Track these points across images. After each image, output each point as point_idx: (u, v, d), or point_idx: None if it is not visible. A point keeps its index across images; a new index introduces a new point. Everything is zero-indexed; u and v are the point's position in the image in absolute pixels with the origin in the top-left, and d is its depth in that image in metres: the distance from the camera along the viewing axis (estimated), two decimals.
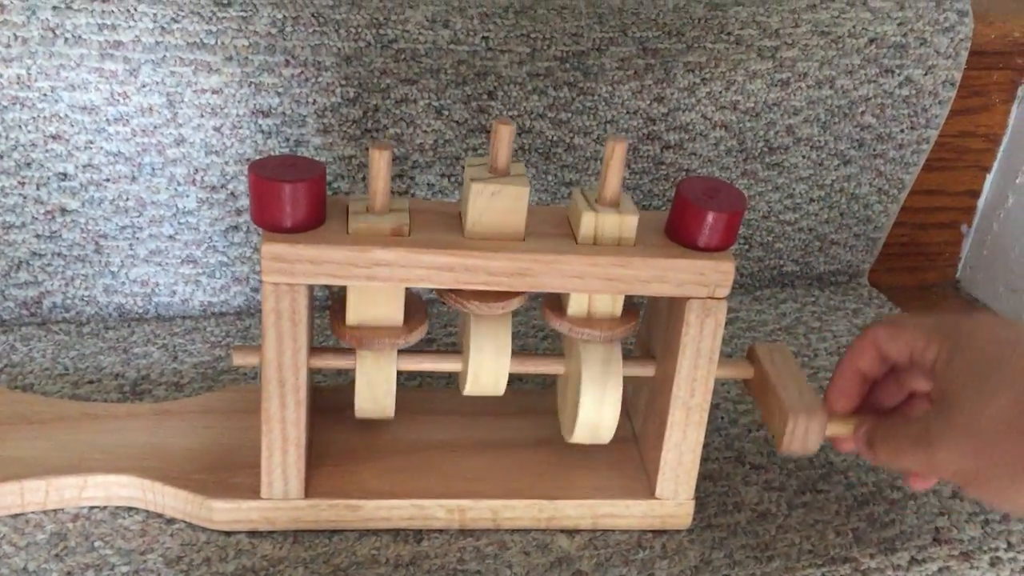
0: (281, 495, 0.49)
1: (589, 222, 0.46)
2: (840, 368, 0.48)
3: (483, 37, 0.62)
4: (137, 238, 0.64)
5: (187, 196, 0.63)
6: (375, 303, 0.48)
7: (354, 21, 0.60)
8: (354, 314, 0.48)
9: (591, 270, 0.45)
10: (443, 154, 0.65)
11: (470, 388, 0.49)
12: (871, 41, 0.70)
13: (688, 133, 0.69)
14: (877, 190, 0.77)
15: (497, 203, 0.44)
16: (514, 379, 0.53)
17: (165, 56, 0.59)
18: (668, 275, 0.46)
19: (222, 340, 0.66)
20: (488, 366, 0.49)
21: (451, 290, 0.47)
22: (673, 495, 0.52)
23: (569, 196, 0.54)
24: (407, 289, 0.48)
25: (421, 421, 0.55)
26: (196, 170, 0.62)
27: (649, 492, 0.52)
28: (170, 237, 0.65)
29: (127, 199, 0.63)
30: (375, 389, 0.49)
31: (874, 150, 0.75)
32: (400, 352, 0.49)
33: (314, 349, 0.48)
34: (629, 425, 0.56)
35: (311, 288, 0.46)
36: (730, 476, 0.57)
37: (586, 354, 0.49)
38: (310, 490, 0.50)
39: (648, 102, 0.66)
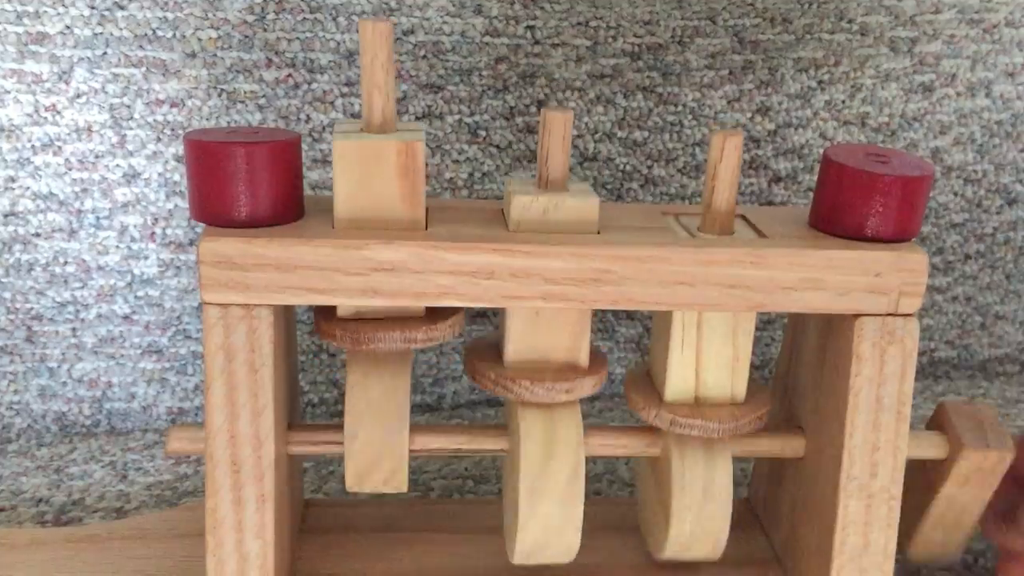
0: None
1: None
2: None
3: (528, 26, 0.55)
4: (81, 320, 0.55)
5: (145, 257, 0.55)
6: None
7: (357, 5, 0.54)
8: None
9: (706, 272, 0.35)
10: (480, 194, 0.57)
11: (521, 554, 0.38)
12: None
13: (803, 160, 0.60)
14: None
15: (553, 222, 0.37)
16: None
17: (106, 53, 0.52)
18: (824, 276, 0.35)
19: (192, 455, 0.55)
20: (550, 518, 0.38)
21: (488, 367, 0.38)
22: None
23: None
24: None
25: (456, 543, 0.43)
26: (156, 219, 0.54)
27: None
28: (125, 318, 0.56)
29: (65, 262, 0.54)
30: (374, 425, 0.37)
31: None
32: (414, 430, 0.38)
33: (297, 426, 0.39)
34: (765, 540, 0.44)
35: (283, 315, 0.36)
36: None
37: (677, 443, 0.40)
38: None
39: (749, 115, 0.58)
